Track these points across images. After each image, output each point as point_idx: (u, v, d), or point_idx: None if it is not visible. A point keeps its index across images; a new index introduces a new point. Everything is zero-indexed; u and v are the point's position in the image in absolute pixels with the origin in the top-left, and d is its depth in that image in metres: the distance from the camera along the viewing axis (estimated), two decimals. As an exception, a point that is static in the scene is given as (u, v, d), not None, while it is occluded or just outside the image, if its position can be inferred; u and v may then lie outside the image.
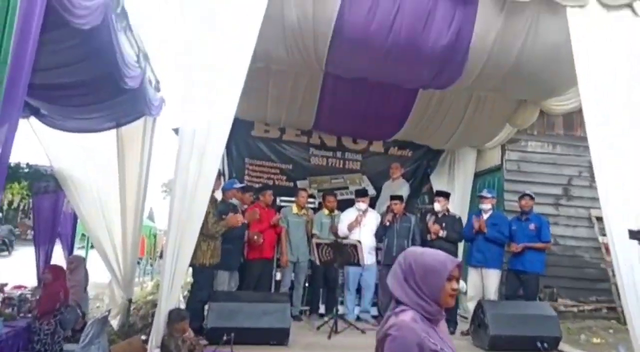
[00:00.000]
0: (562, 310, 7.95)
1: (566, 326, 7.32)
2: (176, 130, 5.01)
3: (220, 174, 5.19)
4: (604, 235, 5.99)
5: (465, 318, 6.30)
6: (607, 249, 6.94)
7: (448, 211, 6.53)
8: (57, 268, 5.81)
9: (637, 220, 4.36)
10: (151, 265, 14.07)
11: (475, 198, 7.12)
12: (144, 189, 6.59)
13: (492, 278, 6.11)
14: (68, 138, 6.22)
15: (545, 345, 5.10)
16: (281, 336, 4.99)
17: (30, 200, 7.35)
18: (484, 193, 6.49)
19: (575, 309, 8.15)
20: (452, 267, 1.89)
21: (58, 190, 7.06)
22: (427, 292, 1.87)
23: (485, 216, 6.23)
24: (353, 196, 7.50)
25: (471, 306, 5.94)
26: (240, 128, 7.84)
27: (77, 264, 6.90)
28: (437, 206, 6.47)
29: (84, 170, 6.53)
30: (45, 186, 7.21)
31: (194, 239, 3.90)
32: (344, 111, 7.33)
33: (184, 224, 3.78)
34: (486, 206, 6.28)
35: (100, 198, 6.48)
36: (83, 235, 10.49)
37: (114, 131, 6.25)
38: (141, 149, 6.52)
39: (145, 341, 3.84)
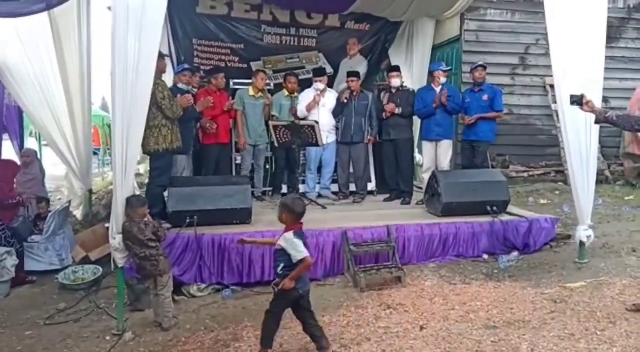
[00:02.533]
0: (513, 176, 8.39)
1: (516, 190, 7.78)
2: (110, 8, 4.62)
3: (162, 54, 4.89)
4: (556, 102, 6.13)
5: (421, 188, 6.56)
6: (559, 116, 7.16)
7: (402, 85, 6.48)
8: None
9: (585, 85, 4.43)
10: (109, 155, 13.82)
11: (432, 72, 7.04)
12: (87, 75, 6.26)
13: (445, 148, 6.30)
14: (-4, 23, 5.71)
15: (495, 208, 5.40)
16: (243, 215, 5.11)
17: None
18: (444, 67, 6.43)
19: (525, 174, 8.60)
20: None
21: (-5, 81, 6.62)
22: None
23: (437, 89, 6.23)
24: (310, 76, 7.32)
25: (426, 177, 6.14)
26: (183, 4, 7.33)
27: (32, 158, 6.72)
28: (397, 81, 6.38)
29: (21, 58, 6.07)
30: (-21, 77, 6.72)
31: (142, 123, 3.75)
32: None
33: (129, 108, 3.59)
34: (444, 79, 6.26)
35: (41, 87, 6.11)
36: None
37: (46, 14, 5.75)
38: (78, 32, 6.07)
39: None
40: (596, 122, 4.29)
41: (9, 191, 5.27)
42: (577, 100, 4.09)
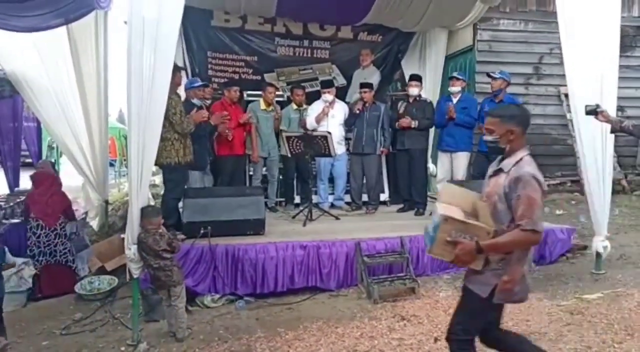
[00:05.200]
0: (529, 186, 8.27)
1: (531, 200, 7.66)
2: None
3: (178, 67, 4.96)
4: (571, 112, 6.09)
5: (435, 199, 6.51)
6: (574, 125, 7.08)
7: (420, 96, 6.47)
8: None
9: (600, 94, 4.41)
10: (126, 166, 13.96)
11: (447, 81, 7.03)
12: (104, 88, 6.36)
13: (462, 160, 6.23)
14: (17, 38, 5.85)
15: (510, 219, 5.34)
16: (257, 226, 5.13)
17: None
18: (455, 74, 6.40)
19: (540, 185, 8.48)
20: None
21: (15, 94, 6.78)
22: None
23: (454, 100, 6.20)
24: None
25: (440, 187, 6.11)
26: (198, 18, 7.44)
27: (47, 169, 6.82)
28: (415, 90, 6.36)
29: (39, 71, 6.22)
30: (0, 90, 6.89)
31: (157, 135, 3.80)
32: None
33: (144, 119, 3.64)
34: (456, 88, 6.21)
35: (59, 100, 6.24)
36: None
37: (64, 29, 5.88)
38: (95, 46, 6.19)
39: (125, 239, 3.89)
40: (612, 132, 4.27)
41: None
42: (592, 111, 4.07)
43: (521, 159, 2.42)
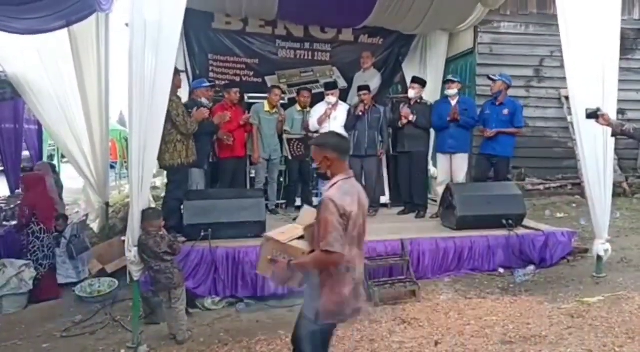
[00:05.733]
0: (529, 189, 8.30)
1: (532, 203, 7.69)
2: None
3: (178, 70, 4.97)
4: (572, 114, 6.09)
5: (435, 202, 6.52)
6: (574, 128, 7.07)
7: (421, 98, 6.47)
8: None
9: (601, 97, 4.41)
10: (126, 169, 13.97)
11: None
12: (105, 90, 6.36)
13: (461, 161, 6.24)
14: (19, 40, 5.87)
15: (510, 221, 5.35)
16: (257, 228, 5.11)
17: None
18: (450, 77, 6.41)
19: (541, 187, 8.50)
20: None
21: (16, 96, 6.79)
22: None
23: (453, 102, 6.20)
24: (323, 90, 7.38)
25: (441, 190, 6.11)
26: (199, 20, 7.45)
27: (46, 171, 6.83)
28: (412, 93, 6.38)
29: (40, 74, 6.24)
30: (2, 93, 6.91)
31: (158, 137, 3.79)
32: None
33: (145, 122, 3.65)
34: (452, 91, 6.22)
35: (60, 102, 6.27)
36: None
37: (66, 31, 5.89)
38: (97, 48, 6.20)
39: (126, 242, 3.89)
40: (613, 135, 4.26)
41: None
42: (593, 114, 4.07)
43: (333, 184, 2.53)
